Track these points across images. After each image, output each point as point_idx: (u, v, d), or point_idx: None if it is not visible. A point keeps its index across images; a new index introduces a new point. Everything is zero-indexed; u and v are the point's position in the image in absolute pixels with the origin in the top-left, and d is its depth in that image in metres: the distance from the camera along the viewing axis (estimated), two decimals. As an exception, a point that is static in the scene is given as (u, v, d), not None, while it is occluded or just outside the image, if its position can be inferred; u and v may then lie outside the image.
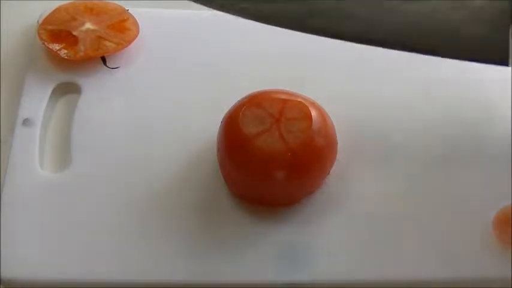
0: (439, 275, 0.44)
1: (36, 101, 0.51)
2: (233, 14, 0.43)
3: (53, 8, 0.54)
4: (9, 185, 0.47)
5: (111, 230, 0.45)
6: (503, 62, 0.40)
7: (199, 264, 0.44)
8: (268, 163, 0.44)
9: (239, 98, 0.47)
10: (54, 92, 0.52)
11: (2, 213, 0.46)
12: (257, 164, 0.44)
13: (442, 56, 0.41)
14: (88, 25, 0.54)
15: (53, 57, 0.53)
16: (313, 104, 0.46)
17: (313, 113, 0.45)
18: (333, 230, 0.45)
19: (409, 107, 0.46)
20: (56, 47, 0.52)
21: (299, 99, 0.45)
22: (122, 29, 0.54)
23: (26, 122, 0.50)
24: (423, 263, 0.44)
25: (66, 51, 0.52)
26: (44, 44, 0.52)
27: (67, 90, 0.52)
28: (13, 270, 0.43)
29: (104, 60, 0.53)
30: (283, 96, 0.45)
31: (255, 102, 0.45)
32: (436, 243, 0.45)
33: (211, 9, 0.44)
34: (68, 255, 0.44)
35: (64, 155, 0.49)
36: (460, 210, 0.46)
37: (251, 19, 0.43)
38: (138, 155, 0.48)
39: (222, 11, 0.43)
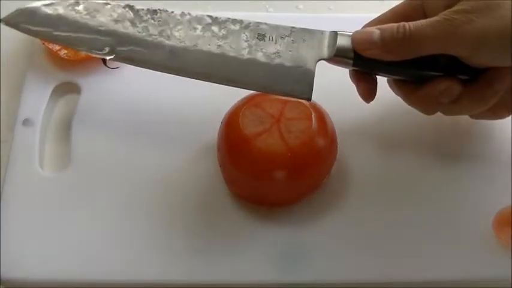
0: (439, 275, 0.44)
1: (36, 101, 0.51)
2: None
3: (53, 8, 0.54)
4: (9, 185, 0.47)
5: (111, 230, 0.45)
6: (306, 97, 0.44)
7: (199, 264, 0.44)
8: (268, 163, 0.44)
9: (239, 98, 0.47)
10: (54, 92, 0.52)
11: (2, 213, 0.46)
12: (257, 164, 0.44)
13: (248, 89, 0.45)
14: (88, 25, 0.53)
15: (53, 57, 0.53)
16: (313, 104, 0.46)
17: (313, 113, 0.45)
18: (333, 230, 0.45)
19: (410, 108, 0.46)
20: (56, 47, 0.52)
21: (299, 100, 0.45)
22: (122, 29, 0.54)
23: (26, 122, 0.50)
24: (423, 263, 0.44)
25: (66, 51, 0.52)
26: (44, 44, 0.52)
27: (67, 90, 0.52)
28: (13, 270, 0.43)
29: (104, 60, 0.53)
30: (283, 97, 0.45)
31: (255, 102, 0.45)
32: (436, 243, 0.45)
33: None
34: (67, 255, 0.44)
35: (64, 154, 0.49)
36: (460, 210, 0.46)
37: (63, 44, 0.48)
38: (138, 155, 0.48)
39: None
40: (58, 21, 0.46)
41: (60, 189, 0.47)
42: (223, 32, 0.46)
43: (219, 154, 0.46)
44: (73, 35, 0.46)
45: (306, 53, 0.45)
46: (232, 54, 0.45)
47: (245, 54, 0.45)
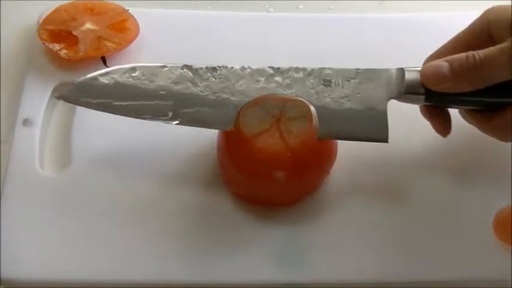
0: (439, 275, 0.44)
1: (36, 101, 0.51)
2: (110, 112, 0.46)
3: (53, 8, 0.55)
4: (9, 185, 0.47)
5: (111, 231, 0.45)
6: (383, 138, 0.44)
7: (199, 264, 0.44)
8: (268, 163, 0.44)
9: (239, 98, 0.47)
10: (54, 92, 0.52)
11: (2, 213, 0.46)
12: (257, 164, 0.44)
13: (321, 138, 0.44)
14: (88, 25, 0.54)
15: (53, 57, 0.53)
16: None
17: (314, 113, 0.45)
18: (333, 230, 0.45)
19: (410, 108, 0.46)
20: (56, 47, 0.52)
21: (299, 99, 0.45)
22: (122, 29, 0.54)
23: (26, 122, 0.50)
24: (423, 264, 0.44)
25: (66, 51, 0.52)
26: (44, 44, 0.52)
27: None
28: (13, 270, 0.43)
29: (104, 60, 0.53)
30: (284, 96, 0.45)
31: (255, 102, 0.45)
32: (436, 243, 0.45)
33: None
34: (67, 255, 0.44)
35: (64, 155, 0.49)
36: (460, 211, 0.46)
37: (125, 114, 0.45)
38: (137, 155, 0.48)
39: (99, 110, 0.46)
40: (117, 90, 0.45)
41: (60, 189, 0.47)
42: (287, 81, 0.45)
43: (219, 154, 0.46)
44: (134, 103, 0.45)
45: (375, 93, 0.45)
46: None
47: (314, 101, 0.45)
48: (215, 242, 0.45)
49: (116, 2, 0.55)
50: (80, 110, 0.50)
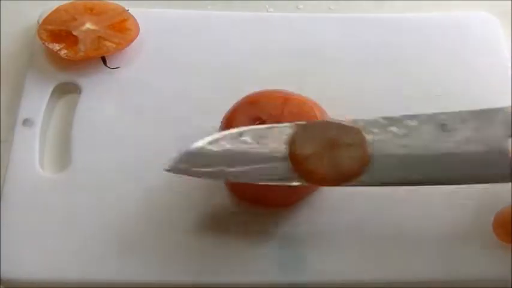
0: (439, 275, 0.44)
1: (36, 101, 0.51)
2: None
3: (53, 8, 0.55)
4: (10, 185, 0.47)
5: (111, 231, 0.45)
6: (506, 179, 0.42)
7: (199, 265, 0.44)
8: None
9: (239, 98, 0.47)
10: (54, 92, 0.52)
11: (2, 213, 0.46)
12: (257, 164, 0.44)
13: (443, 184, 0.43)
14: (88, 25, 0.54)
15: (53, 57, 0.53)
16: (314, 104, 0.46)
17: (314, 113, 0.45)
18: (333, 231, 0.45)
19: (410, 107, 0.46)
20: (56, 47, 0.52)
21: (299, 99, 0.45)
22: (122, 29, 0.54)
23: (26, 122, 0.50)
24: (423, 264, 0.44)
25: (66, 51, 0.52)
26: (44, 44, 0.52)
27: (67, 90, 0.52)
28: (13, 270, 0.43)
29: (104, 60, 0.53)
30: (283, 96, 0.45)
31: (255, 101, 0.45)
32: (436, 243, 0.45)
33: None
34: (67, 255, 0.44)
35: (64, 155, 0.49)
36: (460, 210, 0.46)
37: (238, 180, 0.43)
38: (137, 155, 0.48)
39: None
40: (227, 157, 0.43)
41: (60, 189, 0.47)
42: (403, 130, 0.43)
43: (219, 154, 0.46)
44: (248, 167, 0.43)
45: (495, 133, 0.42)
46: (420, 151, 0.43)
47: (433, 148, 0.43)
48: (215, 243, 0.45)
49: (116, 2, 0.55)
50: (80, 110, 0.50)
